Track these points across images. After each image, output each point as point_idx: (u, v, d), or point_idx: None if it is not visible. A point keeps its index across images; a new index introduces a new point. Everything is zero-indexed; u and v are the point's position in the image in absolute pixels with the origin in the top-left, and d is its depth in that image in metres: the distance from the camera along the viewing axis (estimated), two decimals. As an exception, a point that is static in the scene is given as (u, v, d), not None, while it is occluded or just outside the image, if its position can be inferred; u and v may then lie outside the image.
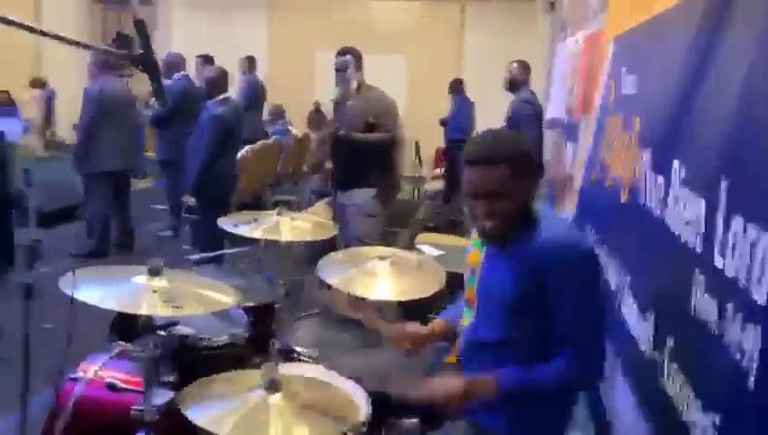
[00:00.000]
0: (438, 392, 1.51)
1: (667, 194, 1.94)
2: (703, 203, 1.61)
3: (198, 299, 1.56)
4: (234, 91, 5.85)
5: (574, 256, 1.50)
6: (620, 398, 2.19)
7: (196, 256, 2.52)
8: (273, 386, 1.31)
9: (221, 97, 4.13)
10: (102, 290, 1.51)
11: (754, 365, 1.21)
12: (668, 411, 1.63)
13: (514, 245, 1.54)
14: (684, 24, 2.01)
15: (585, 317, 1.50)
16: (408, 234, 5.04)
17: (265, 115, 7.42)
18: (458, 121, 7.28)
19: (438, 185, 7.21)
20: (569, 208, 4.02)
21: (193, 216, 4.43)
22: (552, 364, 1.49)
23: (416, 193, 7.64)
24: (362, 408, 1.42)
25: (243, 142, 5.04)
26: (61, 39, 1.30)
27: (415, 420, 1.95)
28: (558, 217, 1.62)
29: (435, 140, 8.26)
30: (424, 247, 3.62)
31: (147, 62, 1.40)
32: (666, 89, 2.13)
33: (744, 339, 1.27)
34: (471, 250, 1.75)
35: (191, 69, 5.63)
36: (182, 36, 10.02)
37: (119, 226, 4.79)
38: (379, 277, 2.23)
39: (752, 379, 1.21)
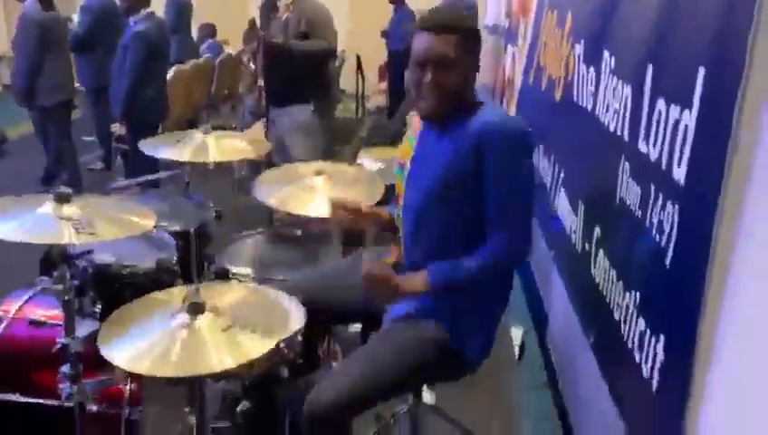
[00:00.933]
0: (373, 275, 1.47)
1: (597, 85, 1.92)
2: (630, 89, 1.59)
3: (114, 223, 1.47)
4: (159, 12, 5.44)
5: (514, 135, 1.47)
6: (555, 290, 2.26)
7: (120, 184, 2.39)
8: (195, 309, 1.26)
9: (144, 13, 3.81)
10: (6, 223, 1.40)
11: (672, 243, 1.24)
12: (595, 297, 1.68)
13: (453, 125, 1.50)
14: None
15: (516, 195, 1.47)
16: (350, 152, 4.95)
17: (194, 35, 6.98)
18: (400, 32, 7.02)
19: (382, 100, 7.05)
20: (509, 111, 4.00)
21: (124, 145, 4.20)
22: (477, 251, 1.48)
23: (359, 110, 7.46)
24: (296, 318, 1.40)
25: (171, 65, 4.74)
26: None
27: (357, 326, 1.97)
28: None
29: (378, 53, 7.99)
30: (365, 162, 3.56)
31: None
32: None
33: (663, 219, 1.29)
34: (403, 145, 1.69)
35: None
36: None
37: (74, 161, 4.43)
38: (317, 193, 2.17)
39: (669, 256, 1.24)
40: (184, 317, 1.26)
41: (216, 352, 1.22)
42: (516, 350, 1.86)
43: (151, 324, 1.27)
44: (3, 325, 1.68)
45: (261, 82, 3.75)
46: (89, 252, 1.56)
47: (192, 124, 5.20)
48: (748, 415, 0.98)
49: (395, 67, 6.97)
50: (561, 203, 2.23)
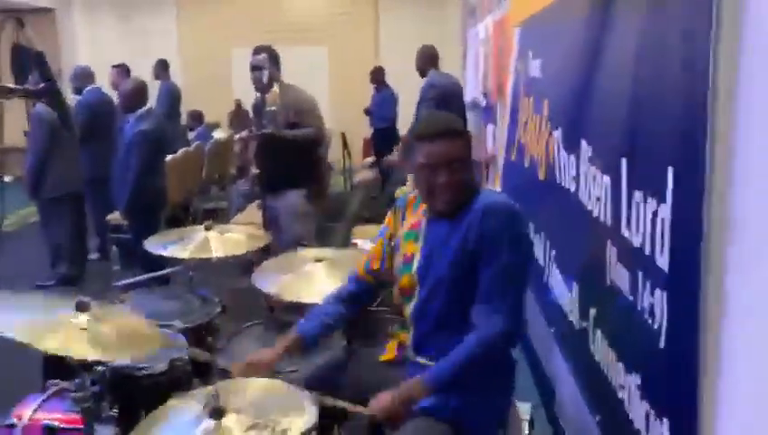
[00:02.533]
0: (378, 413, 1.57)
1: (578, 172, 2.05)
2: (608, 179, 1.72)
3: (128, 341, 1.53)
4: (151, 98, 5.65)
5: (514, 212, 1.61)
6: (558, 365, 2.32)
7: (126, 282, 2.45)
8: (217, 413, 1.31)
9: (143, 110, 3.96)
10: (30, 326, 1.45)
11: (664, 327, 1.32)
12: (598, 375, 1.75)
13: (459, 217, 1.62)
14: (580, 9, 2.12)
15: (511, 276, 1.57)
16: (343, 228, 5.06)
17: (184, 121, 7.21)
18: (382, 110, 7.33)
19: (369, 174, 7.24)
20: (494, 187, 4.16)
21: (121, 235, 4.27)
22: (468, 340, 1.55)
23: (347, 185, 7.65)
24: (311, 414, 1.44)
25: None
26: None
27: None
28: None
29: (361, 129, 8.29)
30: (359, 242, 3.65)
31: (51, 93, 1.37)
32: (568, 72, 2.24)
33: (653, 304, 1.38)
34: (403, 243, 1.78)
35: (101, 78, 5.39)
36: (88, 41, 9.68)
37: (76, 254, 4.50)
38: (317, 281, 2.24)
39: (662, 340, 1.32)
40: (208, 423, 1.31)
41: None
42: (525, 426, 1.89)
43: (177, 432, 1.31)
44: (17, 432, 1.70)
45: (254, 170, 3.89)
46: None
47: (185, 207, 5.31)
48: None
49: (379, 144, 7.22)
50: (556, 281, 2.33)
